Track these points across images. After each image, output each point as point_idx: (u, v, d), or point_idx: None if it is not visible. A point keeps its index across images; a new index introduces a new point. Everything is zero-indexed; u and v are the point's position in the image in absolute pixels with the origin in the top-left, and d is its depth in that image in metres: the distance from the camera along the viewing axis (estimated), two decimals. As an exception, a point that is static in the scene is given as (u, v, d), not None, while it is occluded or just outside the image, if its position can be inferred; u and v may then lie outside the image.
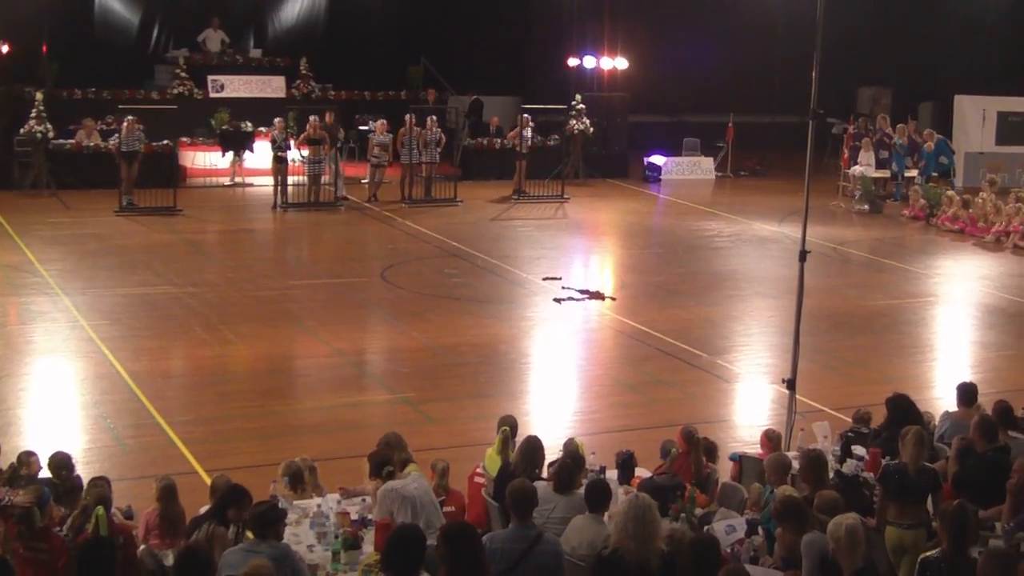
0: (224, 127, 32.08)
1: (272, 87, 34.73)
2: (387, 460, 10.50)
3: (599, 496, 9.47)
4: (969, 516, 9.03)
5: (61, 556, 8.89)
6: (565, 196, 31.28)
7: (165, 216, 26.76)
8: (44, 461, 10.90)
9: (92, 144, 30.33)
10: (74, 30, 34.65)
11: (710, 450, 12.18)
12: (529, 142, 31.99)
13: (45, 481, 10.27)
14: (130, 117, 28.21)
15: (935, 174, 32.99)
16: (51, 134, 29.55)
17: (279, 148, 28.63)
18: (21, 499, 9.25)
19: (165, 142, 30.05)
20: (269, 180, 30.52)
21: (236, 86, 34.32)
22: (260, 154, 31.83)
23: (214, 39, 35.67)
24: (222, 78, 34.26)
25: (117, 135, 28.13)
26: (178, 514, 10.01)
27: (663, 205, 32.60)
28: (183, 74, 33.69)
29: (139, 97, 33.24)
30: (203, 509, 9.82)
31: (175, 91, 33.45)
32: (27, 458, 11.12)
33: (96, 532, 8.87)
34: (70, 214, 27.48)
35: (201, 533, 9.19)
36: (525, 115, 32.10)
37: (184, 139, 31.79)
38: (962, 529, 8.84)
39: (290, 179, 28.95)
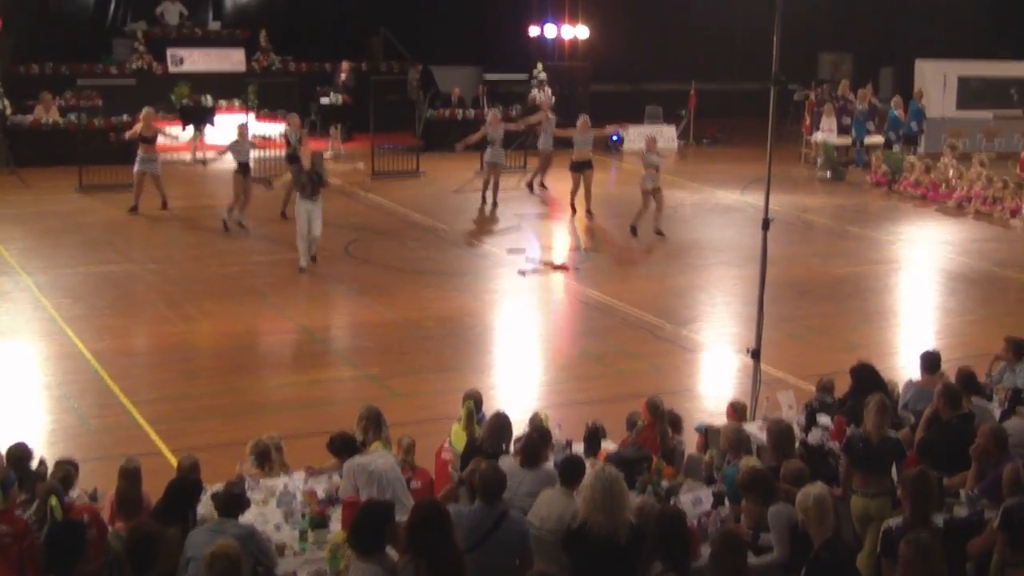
0: (184, 101, 31.89)
1: (232, 60, 34.51)
2: (349, 439, 10.50)
3: (573, 471, 9.49)
4: (931, 483, 9.10)
5: (24, 539, 8.89)
6: (527, 167, 31.23)
7: (126, 193, 26.48)
8: (3, 446, 10.82)
9: (51, 120, 30.10)
10: (30, 4, 34.30)
11: (675, 422, 12.22)
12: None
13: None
14: (243, 122, 26.06)
15: (892, 137, 33.01)
16: (9, 110, 29.36)
17: (293, 148, 25.12)
18: None
19: (124, 117, 29.77)
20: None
21: (196, 59, 34.09)
22: (221, 128, 31.66)
23: (172, 11, 35.40)
24: (181, 52, 34.01)
25: (235, 142, 24.81)
26: (138, 496, 9.94)
27: (626, 175, 32.58)
28: (142, 48, 33.45)
29: (98, 72, 33.04)
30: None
31: (134, 65, 33.23)
32: None
33: (61, 517, 8.84)
34: (30, 192, 27.30)
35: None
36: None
37: (144, 114, 31.55)
38: (924, 496, 8.91)
39: (253, 153, 28.64)
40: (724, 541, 8.22)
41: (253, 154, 25.39)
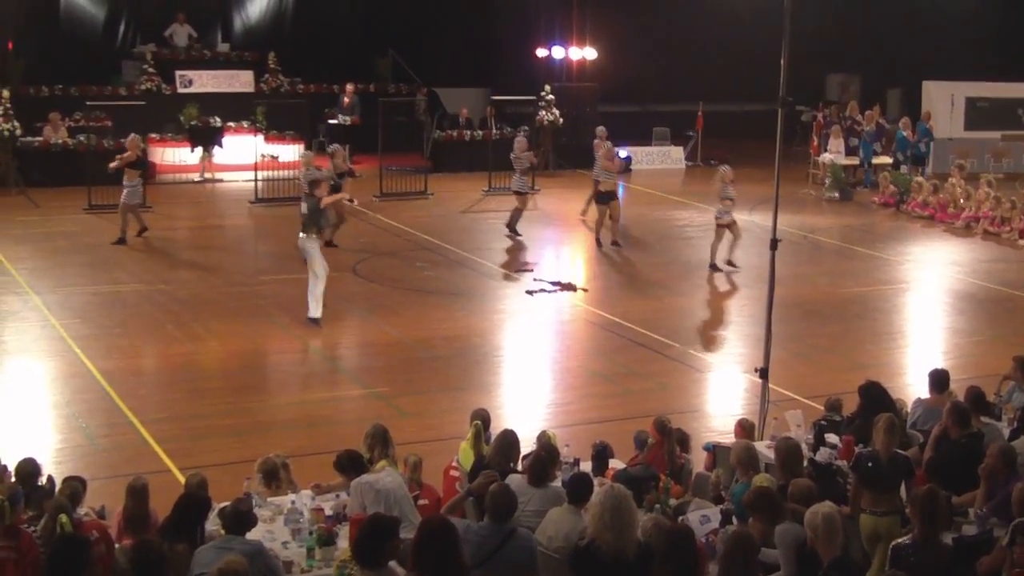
0: (193, 122, 31.94)
1: (240, 82, 34.57)
2: (356, 457, 10.50)
3: (582, 489, 9.47)
4: (940, 501, 9.06)
5: (29, 554, 8.91)
6: (535, 188, 31.27)
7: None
8: (12, 463, 10.84)
9: (60, 141, 30.23)
10: (40, 26, 34.39)
11: (683, 440, 12.24)
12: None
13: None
14: (337, 146, 24.78)
15: (900, 157, 33.06)
16: (19, 132, 29.44)
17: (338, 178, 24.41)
18: None
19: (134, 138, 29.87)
20: (240, 176, 30.40)
21: (204, 81, 34.14)
22: (230, 149, 31.75)
23: (181, 34, 35.49)
24: (190, 73, 34.09)
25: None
26: (145, 514, 9.95)
27: (634, 196, 32.57)
28: (151, 69, 33.51)
29: (107, 93, 33.07)
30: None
31: (143, 87, 33.27)
32: None
33: (66, 532, 8.83)
34: (39, 212, 27.34)
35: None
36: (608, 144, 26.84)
37: (153, 135, 31.65)
38: (932, 514, 8.88)
39: (262, 174, 28.67)
40: (735, 539, 8.32)
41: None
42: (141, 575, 7.93)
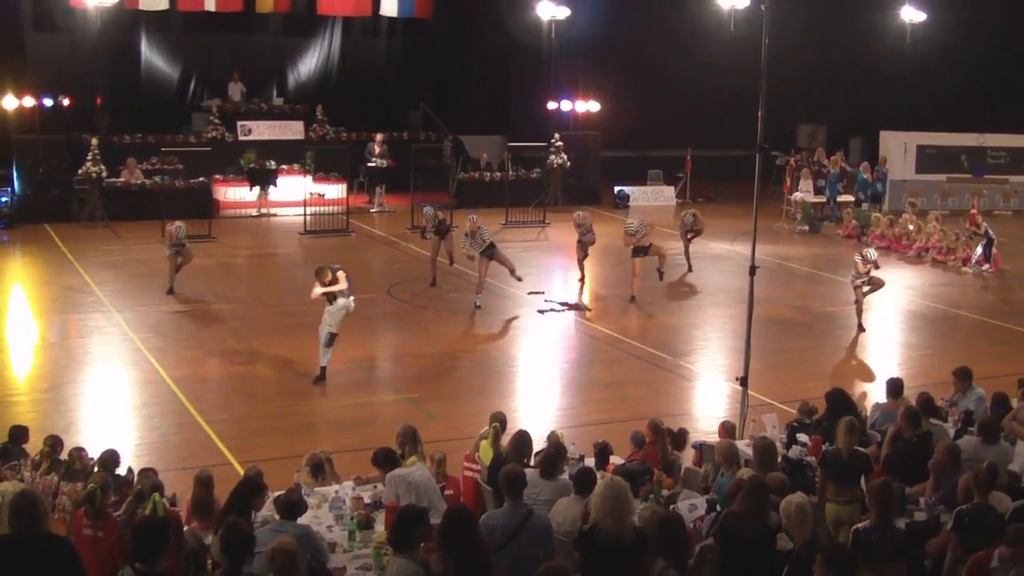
0: (251, 165, 32.04)
1: (292, 130, 34.71)
2: (391, 453, 10.52)
3: (586, 481, 9.50)
4: (893, 491, 9.06)
5: (115, 534, 8.99)
6: (546, 221, 31.31)
7: (202, 243, 26.60)
8: (97, 454, 10.90)
9: (139, 181, 30.44)
10: (124, 85, 34.47)
11: (681, 436, 12.31)
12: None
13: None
14: (473, 216, 22.66)
15: (861, 196, 33.05)
16: (104, 174, 29.67)
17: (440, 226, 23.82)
18: (91, 480, 9.51)
19: (201, 179, 30.13)
20: (292, 211, 30.50)
21: (261, 130, 34.30)
22: (284, 188, 31.87)
23: (235, 90, 35.82)
24: (249, 123, 34.26)
25: (468, 237, 22.13)
26: (210, 501, 9.97)
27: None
28: (216, 120, 33.72)
29: (179, 141, 33.27)
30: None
31: (209, 135, 33.46)
32: (78, 453, 11.17)
33: (154, 513, 8.87)
34: (121, 242, 27.45)
35: None
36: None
37: (217, 176, 31.86)
38: (887, 502, 8.87)
39: (310, 209, 28.76)
40: (752, 482, 8.75)
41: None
42: (234, 554, 7.91)
